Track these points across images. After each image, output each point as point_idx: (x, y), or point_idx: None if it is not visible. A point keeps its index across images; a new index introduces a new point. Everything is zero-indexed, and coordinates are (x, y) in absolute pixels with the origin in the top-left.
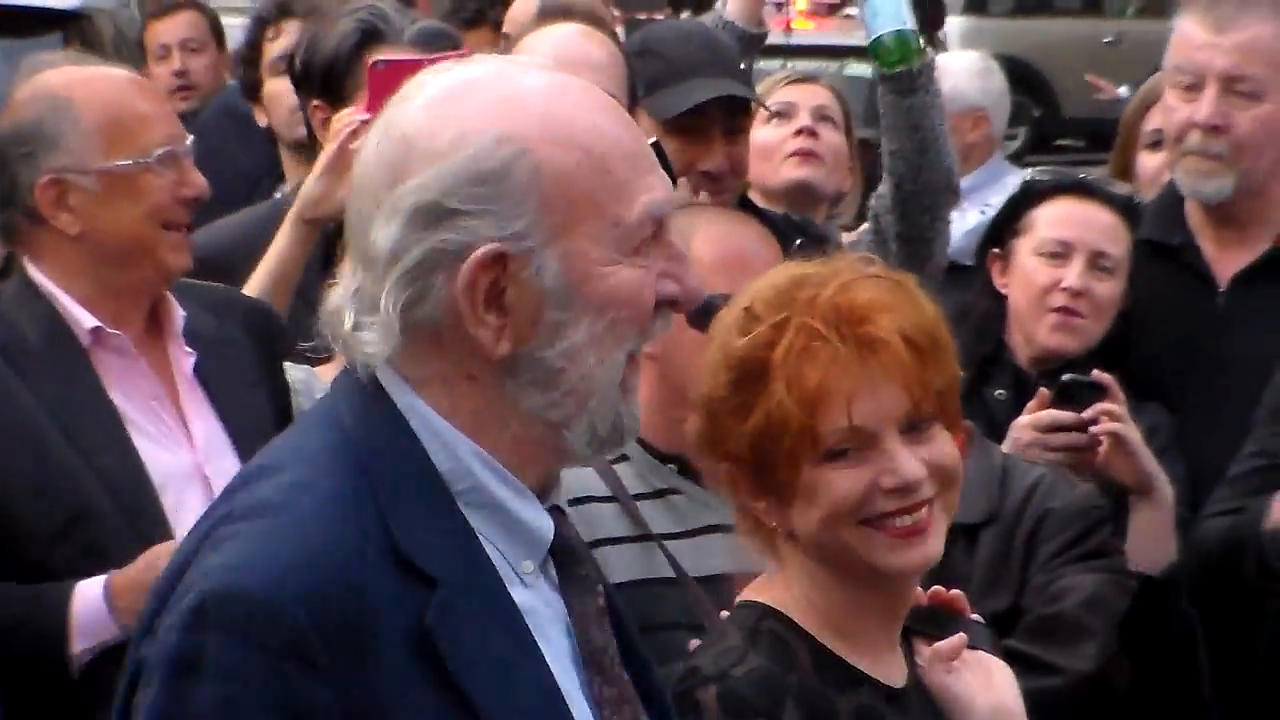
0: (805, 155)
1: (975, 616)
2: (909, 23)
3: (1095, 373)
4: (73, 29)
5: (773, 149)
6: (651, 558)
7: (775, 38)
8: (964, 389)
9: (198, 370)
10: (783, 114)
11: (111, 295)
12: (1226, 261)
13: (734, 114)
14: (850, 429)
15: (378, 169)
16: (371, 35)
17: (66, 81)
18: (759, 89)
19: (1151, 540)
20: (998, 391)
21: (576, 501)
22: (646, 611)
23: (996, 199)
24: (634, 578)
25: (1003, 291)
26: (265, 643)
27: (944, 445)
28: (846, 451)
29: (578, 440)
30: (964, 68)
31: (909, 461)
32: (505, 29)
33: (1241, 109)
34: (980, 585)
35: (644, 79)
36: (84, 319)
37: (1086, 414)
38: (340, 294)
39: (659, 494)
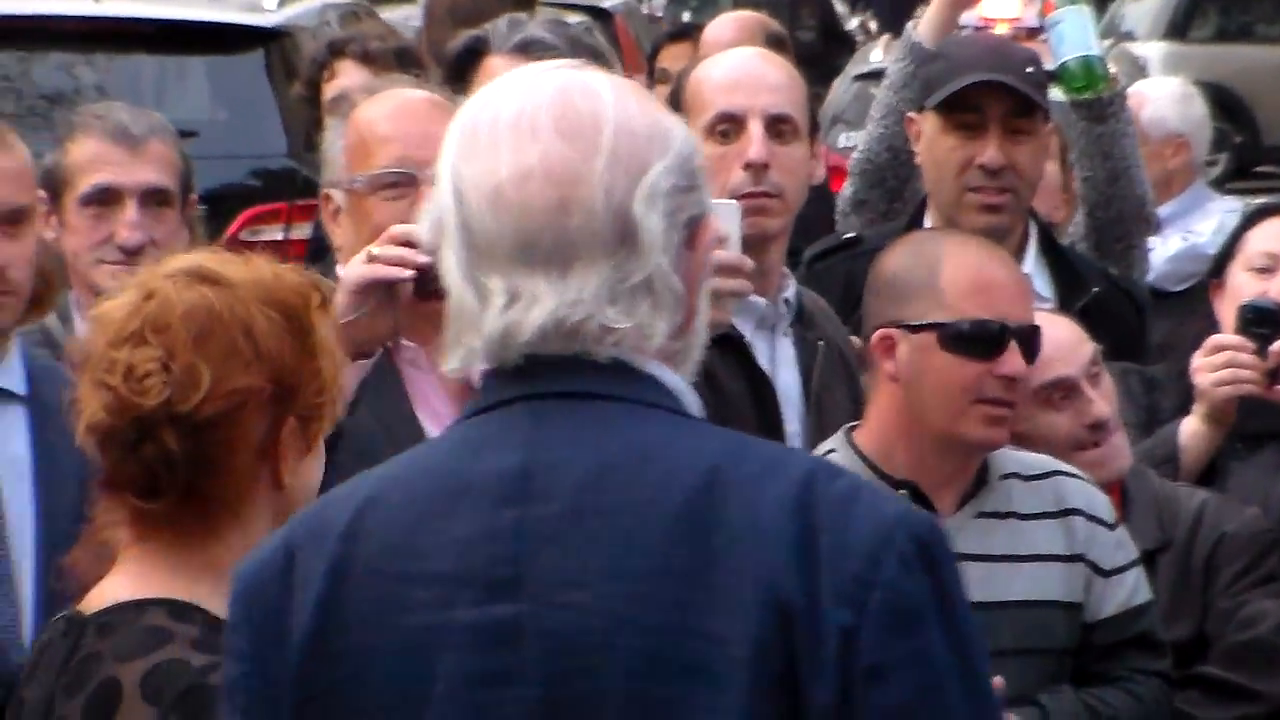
0: None
1: None
2: (1095, 49)
3: (1275, 296)
4: (274, 46)
5: None
6: None
7: None
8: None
9: None
10: None
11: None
12: None
13: (1018, 115)
14: None
15: (593, 161)
16: (483, 43)
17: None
18: None
19: None
20: None
21: None
22: None
23: (1199, 225)
24: None
25: (1220, 320)
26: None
27: None
28: None
29: None
30: (1165, 94)
31: None
32: (701, 49)
33: None
34: (1162, 613)
35: (927, 80)
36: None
37: (1275, 347)
38: (576, 299)
39: None
